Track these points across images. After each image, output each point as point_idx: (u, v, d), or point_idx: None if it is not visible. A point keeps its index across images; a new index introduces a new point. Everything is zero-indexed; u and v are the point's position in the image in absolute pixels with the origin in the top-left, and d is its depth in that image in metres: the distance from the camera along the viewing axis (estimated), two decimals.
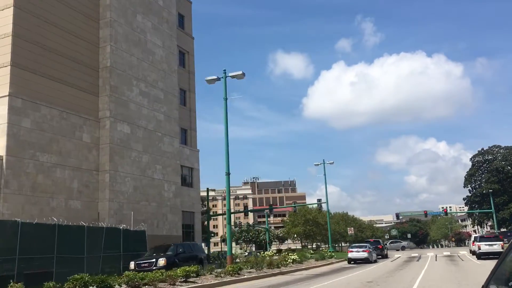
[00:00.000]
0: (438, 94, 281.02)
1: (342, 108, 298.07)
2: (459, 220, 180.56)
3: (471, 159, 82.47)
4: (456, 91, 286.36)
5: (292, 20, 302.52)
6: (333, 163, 44.99)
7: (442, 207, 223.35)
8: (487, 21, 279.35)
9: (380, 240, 40.90)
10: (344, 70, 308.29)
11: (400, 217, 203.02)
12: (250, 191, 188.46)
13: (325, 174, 44.80)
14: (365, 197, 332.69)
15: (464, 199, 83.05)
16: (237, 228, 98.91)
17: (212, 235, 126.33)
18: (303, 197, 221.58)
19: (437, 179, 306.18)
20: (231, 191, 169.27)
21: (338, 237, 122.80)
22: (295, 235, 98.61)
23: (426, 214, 76.35)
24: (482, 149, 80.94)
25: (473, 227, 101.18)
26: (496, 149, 79.10)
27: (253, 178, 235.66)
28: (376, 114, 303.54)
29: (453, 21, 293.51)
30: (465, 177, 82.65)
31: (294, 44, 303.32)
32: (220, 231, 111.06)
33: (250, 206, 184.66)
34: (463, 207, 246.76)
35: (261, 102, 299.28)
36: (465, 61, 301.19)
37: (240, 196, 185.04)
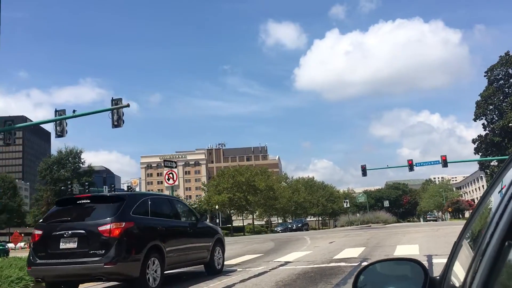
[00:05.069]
0: (434, 62, 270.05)
1: (335, 79, 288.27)
2: (454, 189, 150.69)
3: (486, 72, 49.86)
4: (453, 60, 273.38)
5: None
6: None
7: (434, 177, 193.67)
8: None
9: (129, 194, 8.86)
10: (338, 38, 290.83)
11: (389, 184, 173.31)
12: (203, 156, 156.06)
13: None
14: (358, 171, 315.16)
15: (473, 141, 50.54)
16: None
17: None
18: (275, 165, 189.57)
19: (430, 152, 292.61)
20: (180, 156, 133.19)
21: (295, 209, 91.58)
22: (217, 206, 66.53)
23: (411, 165, 44.88)
24: (508, 53, 47.67)
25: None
26: None
27: (219, 144, 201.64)
28: (370, 85, 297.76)
29: None
30: (477, 103, 49.87)
31: (285, 13, 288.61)
32: None
33: (204, 174, 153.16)
34: (456, 177, 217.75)
35: (252, 77, 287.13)
36: (463, 28, 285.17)
37: (191, 163, 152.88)
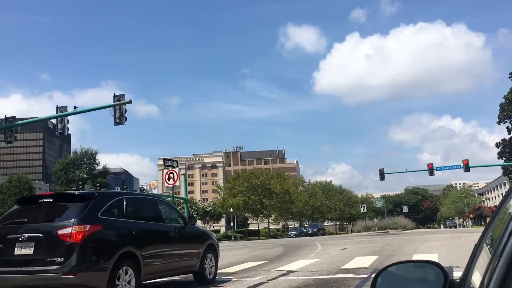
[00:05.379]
0: (456, 66, 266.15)
1: (355, 83, 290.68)
2: (476, 195, 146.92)
3: (511, 74, 47.82)
4: (476, 63, 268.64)
5: None
6: None
7: (455, 183, 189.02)
8: None
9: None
10: (359, 42, 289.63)
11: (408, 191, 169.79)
12: (220, 159, 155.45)
13: None
14: (377, 176, 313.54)
15: (497, 145, 48.54)
16: None
17: None
18: (293, 169, 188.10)
19: (451, 157, 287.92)
20: (197, 158, 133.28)
21: (311, 213, 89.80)
22: (231, 210, 65.49)
23: (431, 169, 43.17)
24: None
25: None
26: None
27: (236, 147, 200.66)
28: (390, 89, 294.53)
29: None
30: (501, 105, 47.92)
31: (305, 16, 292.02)
32: None
33: (221, 177, 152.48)
34: (477, 183, 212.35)
35: (272, 80, 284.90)
36: (487, 32, 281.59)
37: (207, 165, 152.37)
